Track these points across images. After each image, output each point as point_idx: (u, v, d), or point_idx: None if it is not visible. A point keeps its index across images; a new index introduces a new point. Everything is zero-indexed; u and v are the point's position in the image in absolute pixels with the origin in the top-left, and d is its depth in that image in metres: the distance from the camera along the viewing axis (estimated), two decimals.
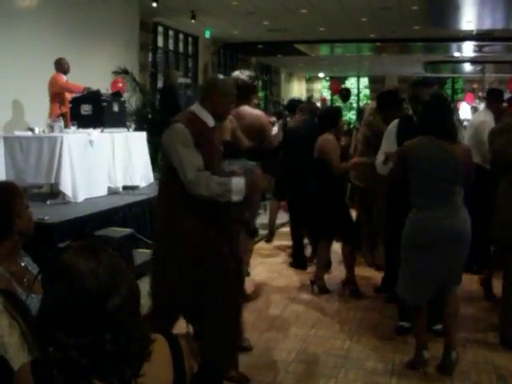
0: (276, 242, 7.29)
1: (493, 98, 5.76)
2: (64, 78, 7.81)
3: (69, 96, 7.54)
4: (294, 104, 7.38)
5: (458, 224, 3.51)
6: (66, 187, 6.05)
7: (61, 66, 7.84)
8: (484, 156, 5.10)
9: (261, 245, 7.01)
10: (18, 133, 6.50)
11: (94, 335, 1.26)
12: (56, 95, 7.65)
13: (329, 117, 5.37)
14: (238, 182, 3.12)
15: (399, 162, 3.72)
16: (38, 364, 1.30)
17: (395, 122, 4.46)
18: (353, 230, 5.37)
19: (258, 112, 4.84)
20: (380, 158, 4.32)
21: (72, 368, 1.25)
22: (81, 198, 6.18)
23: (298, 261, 6.21)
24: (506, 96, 7.26)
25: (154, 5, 10.98)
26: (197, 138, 3.17)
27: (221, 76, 3.79)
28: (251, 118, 4.60)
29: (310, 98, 7.73)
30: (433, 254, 3.52)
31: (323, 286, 5.32)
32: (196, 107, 3.34)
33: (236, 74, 4.77)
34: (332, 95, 22.73)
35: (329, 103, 15.66)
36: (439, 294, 3.66)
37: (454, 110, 3.87)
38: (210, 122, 3.30)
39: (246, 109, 4.59)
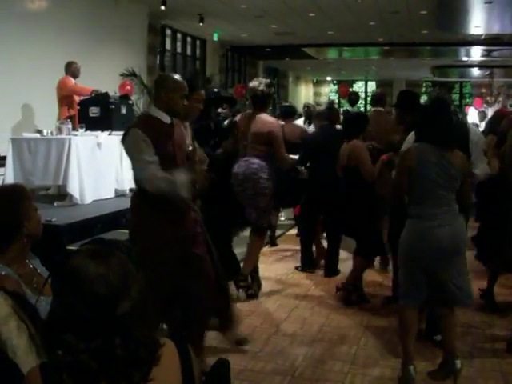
0: (281, 246, 7.27)
1: None
2: (73, 81, 7.83)
3: (77, 99, 7.57)
4: (287, 110, 7.34)
5: (454, 234, 3.40)
6: (73, 189, 6.08)
7: (71, 70, 7.87)
8: None
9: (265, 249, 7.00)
10: (26, 135, 6.53)
11: (104, 339, 1.26)
12: (64, 98, 7.68)
13: (357, 123, 5.22)
14: (182, 178, 3.28)
15: (401, 170, 3.55)
16: (47, 367, 1.30)
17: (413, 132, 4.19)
18: (375, 243, 5.16)
19: (270, 119, 5.01)
20: None
21: (81, 372, 1.26)
22: (88, 200, 6.20)
23: (307, 262, 6.17)
24: None
25: (163, 8, 11.02)
26: (153, 137, 3.30)
27: (167, 73, 3.86)
28: (261, 124, 4.89)
29: (331, 104, 7.65)
30: (428, 263, 3.42)
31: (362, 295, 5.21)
32: (150, 108, 3.54)
33: (254, 83, 4.97)
34: (340, 99, 22.72)
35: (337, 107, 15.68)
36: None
37: (455, 114, 3.69)
38: (166, 119, 3.41)
39: (261, 116, 4.91)
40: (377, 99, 6.45)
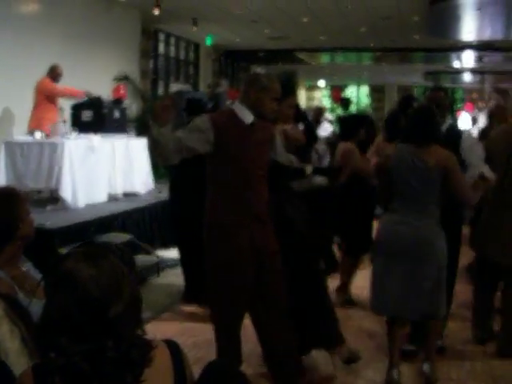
0: None
1: None
2: (52, 84, 7.60)
3: (59, 102, 7.43)
4: None
5: (418, 235, 3.37)
6: (66, 193, 6.08)
7: (53, 73, 7.57)
8: None
9: None
10: (18, 138, 6.53)
11: (96, 342, 1.27)
12: (43, 100, 7.43)
13: (349, 125, 5.28)
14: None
15: (381, 174, 3.64)
16: (39, 369, 1.31)
17: None
18: (362, 241, 5.14)
19: None
20: None
21: (74, 374, 1.27)
22: (81, 203, 6.20)
23: None
24: None
25: (156, 12, 11.03)
26: (223, 132, 3.04)
27: (262, 71, 3.64)
28: None
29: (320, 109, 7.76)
30: (389, 259, 3.45)
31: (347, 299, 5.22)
32: (235, 104, 3.21)
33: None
34: (332, 104, 22.79)
35: (329, 112, 15.73)
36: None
37: (436, 115, 3.70)
38: (248, 118, 3.12)
39: None
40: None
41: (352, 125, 5.26)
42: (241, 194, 3.11)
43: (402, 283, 3.40)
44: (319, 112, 8.43)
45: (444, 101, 4.06)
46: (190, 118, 4.71)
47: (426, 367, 3.62)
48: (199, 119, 3.11)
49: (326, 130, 8.00)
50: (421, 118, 3.51)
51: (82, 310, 1.27)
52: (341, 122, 5.76)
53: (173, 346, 1.43)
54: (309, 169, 3.73)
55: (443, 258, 3.44)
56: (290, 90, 3.76)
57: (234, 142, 3.07)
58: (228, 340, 3.30)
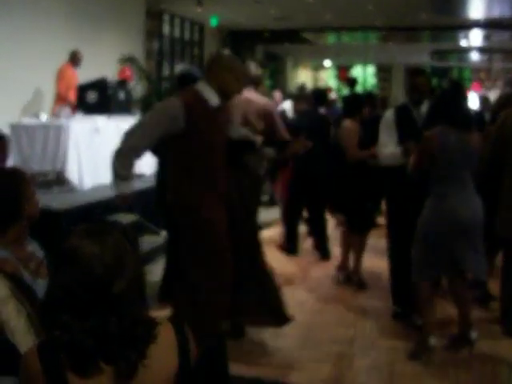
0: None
1: None
2: (73, 70, 7.86)
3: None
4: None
5: (473, 213, 3.60)
6: (72, 174, 6.09)
7: (73, 58, 7.93)
8: None
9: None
10: (24, 120, 6.52)
11: (100, 318, 1.27)
12: (63, 87, 7.71)
13: (351, 103, 5.35)
14: (123, 186, 3.28)
15: (423, 153, 3.67)
16: (44, 347, 1.32)
17: (391, 110, 4.37)
18: (366, 219, 5.26)
19: (265, 99, 4.67)
20: (385, 148, 4.17)
21: (78, 351, 1.27)
22: (87, 185, 6.21)
23: (290, 246, 6.19)
24: None
25: None
26: (195, 119, 3.08)
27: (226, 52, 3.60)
28: (261, 104, 4.34)
29: (302, 87, 7.62)
30: (447, 240, 3.60)
31: (359, 279, 5.26)
32: (200, 84, 3.21)
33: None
34: (339, 83, 22.63)
35: (335, 92, 15.63)
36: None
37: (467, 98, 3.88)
38: (214, 100, 3.17)
39: (254, 94, 4.34)
40: None
41: (355, 103, 5.33)
42: (209, 175, 3.21)
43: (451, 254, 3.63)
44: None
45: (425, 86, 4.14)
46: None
47: (474, 335, 3.76)
48: (170, 103, 3.15)
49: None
50: (465, 103, 3.83)
51: (85, 287, 1.28)
52: (344, 100, 5.83)
53: (177, 323, 1.43)
54: (259, 141, 3.75)
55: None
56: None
57: (204, 126, 3.11)
58: None
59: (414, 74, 4.21)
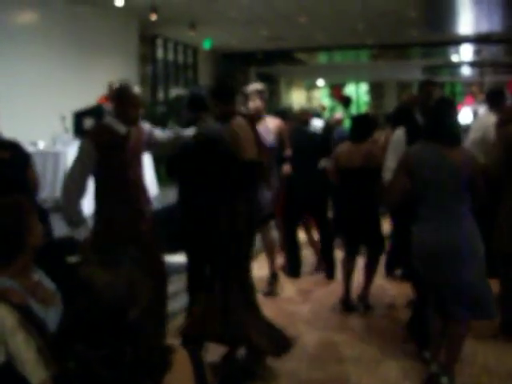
0: None
1: (494, 100, 5.68)
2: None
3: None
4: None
5: (452, 238, 3.25)
6: None
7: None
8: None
9: None
10: None
11: (115, 347, 1.26)
12: None
13: (367, 124, 5.12)
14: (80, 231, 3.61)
15: (400, 171, 3.43)
16: (59, 379, 1.31)
17: (401, 131, 4.15)
18: (381, 242, 5.08)
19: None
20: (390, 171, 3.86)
21: (93, 381, 1.26)
22: (86, 211, 6.18)
23: (291, 270, 6.09)
24: None
25: (154, 18, 11.04)
26: (104, 150, 3.54)
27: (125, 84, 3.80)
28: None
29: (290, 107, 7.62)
30: (433, 268, 3.33)
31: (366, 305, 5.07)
32: (108, 118, 3.70)
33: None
34: (333, 102, 22.78)
35: (328, 111, 15.73)
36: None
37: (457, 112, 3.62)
38: (121, 129, 3.61)
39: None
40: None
41: (369, 126, 5.14)
42: (126, 193, 3.65)
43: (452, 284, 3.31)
44: (305, 113, 8.27)
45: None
46: (195, 113, 4.68)
47: (444, 381, 3.41)
48: (83, 144, 3.63)
49: (315, 128, 7.94)
50: (449, 116, 3.37)
51: (99, 316, 1.27)
52: (354, 122, 5.31)
53: (192, 351, 1.42)
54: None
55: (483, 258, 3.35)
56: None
57: (115, 154, 3.58)
58: None
59: (430, 84, 3.99)
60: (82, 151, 3.60)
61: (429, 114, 3.51)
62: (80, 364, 1.26)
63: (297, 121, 6.30)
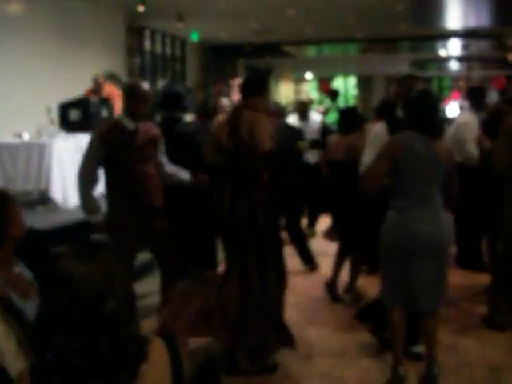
0: None
1: (475, 97, 5.76)
2: None
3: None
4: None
5: (436, 230, 3.26)
6: (56, 193, 6.05)
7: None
8: (465, 155, 5.23)
9: None
10: (6, 140, 6.48)
11: (91, 339, 1.27)
12: None
13: (354, 117, 5.14)
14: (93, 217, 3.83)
15: (383, 158, 3.33)
16: (36, 369, 1.31)
17: (381, 126, 4.04)
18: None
19: None
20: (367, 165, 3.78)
21: (71, 372, 1.26)
22: (71, 203, 6.17)
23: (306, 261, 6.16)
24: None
25: (141, 9, 10.96)
26: (112, 145, 3.72)
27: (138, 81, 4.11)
28: None
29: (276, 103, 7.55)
30: (408, 258, 3.28)
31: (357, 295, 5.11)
32: (120, 115, 3.93)
33: None
34: (321, 95, 22.78)
35: (317, 104, 15.75)
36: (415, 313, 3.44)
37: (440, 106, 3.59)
38: (130, 125, 3.77)
39: None
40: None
41: (354, 117, 5.16)
42: (133, 188, 3.79)
43: (421, 278, 3.30)
44: (304, 105, 8.24)
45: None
46: (168, 112, 4.76)
47: (436, 371, 3.42)
48: (91, 139, 3.82)
49: (314, 122, 7.91)
50: (436, 109, 3.34)
51: (75, 307, 1.27)
52: (342, 114, 5.32)
53: (169, 340, 1.43)
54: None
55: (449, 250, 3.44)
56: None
57: (122, 149, 3.74)
58: None
59: (412, 78, 3.93)
60: (89, 146, 3.79)
61: (412, 104, 3.42)
62: (57, 355, 1.26)
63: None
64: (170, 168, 4.13)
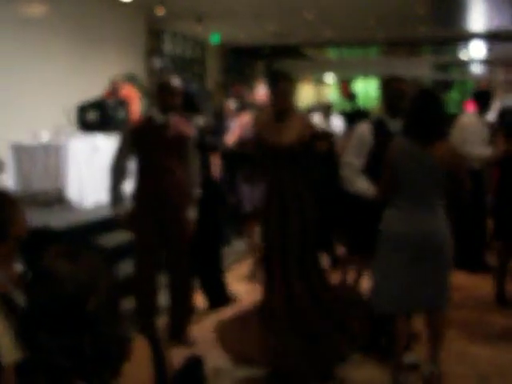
0: None
1: (481, 100, 5.73)
2: None
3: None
4: None
5: (428, 233, 3.27)
6: (72, 193, 6.12)
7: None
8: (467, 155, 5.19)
9: None
10: (25, 141, 6.58)
11: (74, 336, 1.29)
12: None
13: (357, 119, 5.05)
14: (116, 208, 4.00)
15: (386, 166, 3.38)
16: (21, 366, 1.33)
17: (366, 126, 3.84)
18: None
19: None
20: (354, 166, 3.78)
21: (54, 370, 1.29)
22: (88, 203, 6.24)
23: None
24: None
25: (161, 12, 11.05)
26: (140, 137, 3.90)
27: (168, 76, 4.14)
28: None
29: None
30: (404, 258, 3.29)
31: None
32: (151, 108, 4.07)
33: None
34: (341, 98, 22.70)
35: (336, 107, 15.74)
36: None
37: (442, 106, 3.48)
38: (159, 118, 3.90)
39: None
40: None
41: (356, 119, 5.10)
42: (148, 182, 3.93)
43: (413, 278, 3.30)
44: (328, 107, 8.34)
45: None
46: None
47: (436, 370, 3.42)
48: (122, 132, 4.08)
49: (337, 125, 7.94)
50: (433, 113, 3.27)
51: (59, 305, 1.29)
52: (349, 118, 5.44)
53: (151, 339, 1.45)
54: None
55: (450, 251, 3.37)
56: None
57: (150, 142, 3.89)
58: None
59: (395, 81, 3.82)
60: (121, 139, 3.98)
61: (409, 107, 3.38)
62: (42, 353, 1.28)
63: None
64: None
